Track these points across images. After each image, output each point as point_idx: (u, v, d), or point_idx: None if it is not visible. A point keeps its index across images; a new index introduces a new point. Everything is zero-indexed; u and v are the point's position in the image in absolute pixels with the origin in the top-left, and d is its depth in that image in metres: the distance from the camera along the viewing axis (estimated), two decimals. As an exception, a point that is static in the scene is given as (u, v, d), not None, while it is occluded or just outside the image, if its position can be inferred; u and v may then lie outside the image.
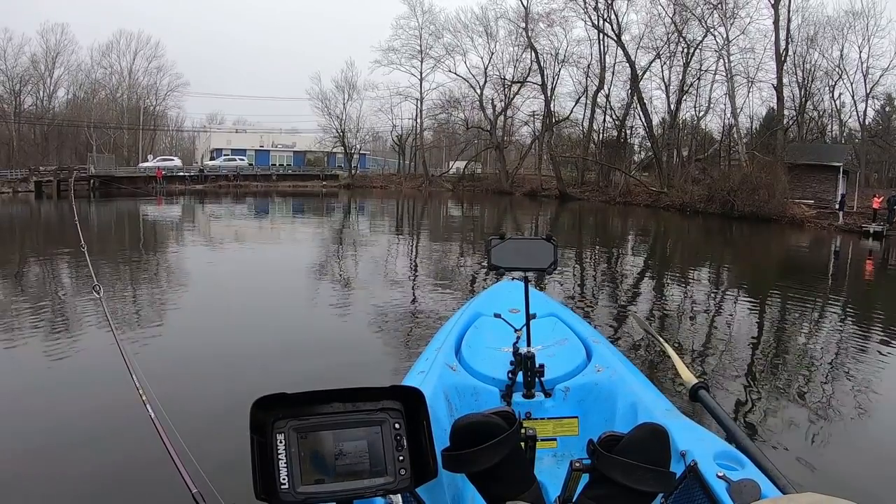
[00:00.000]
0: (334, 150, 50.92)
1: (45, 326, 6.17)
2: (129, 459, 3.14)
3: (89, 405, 3.95)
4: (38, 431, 3.59)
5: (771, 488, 1.37)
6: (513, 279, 3.22)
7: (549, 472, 1.88)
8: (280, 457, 0.86)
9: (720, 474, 1.41)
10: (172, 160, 47.38)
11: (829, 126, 38.80)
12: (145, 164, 45.22)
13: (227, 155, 50.72)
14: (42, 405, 4.01)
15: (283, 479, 0.86)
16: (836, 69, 35.45)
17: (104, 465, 3.22)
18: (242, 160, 49.48)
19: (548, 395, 2.15)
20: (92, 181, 36.92)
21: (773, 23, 31.14)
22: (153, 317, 6.81)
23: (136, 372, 1.77)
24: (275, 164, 52.42)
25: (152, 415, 1.60)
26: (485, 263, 2.32)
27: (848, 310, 8.72)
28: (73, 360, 5.05)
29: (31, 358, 5.10)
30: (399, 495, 1.08)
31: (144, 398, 1.67)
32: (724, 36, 33.19)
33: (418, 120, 49.48)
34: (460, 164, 49.19)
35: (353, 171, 50.08)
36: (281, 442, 0.87)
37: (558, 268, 2.19)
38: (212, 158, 51.40)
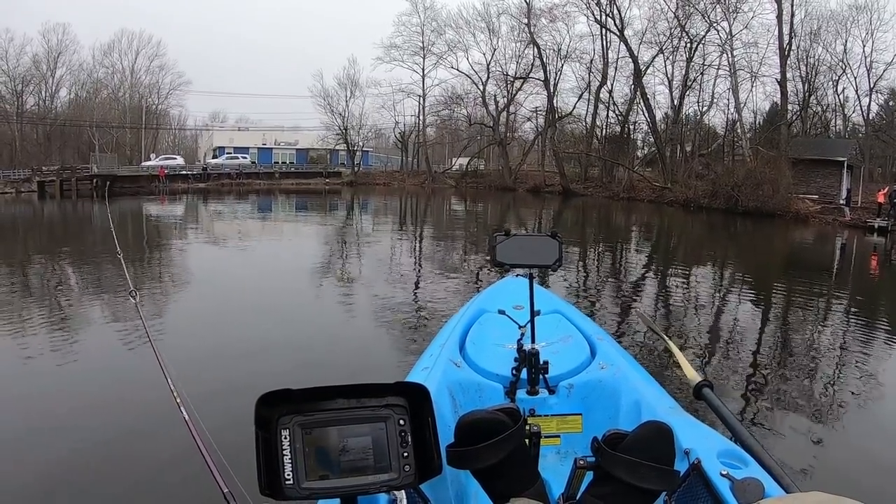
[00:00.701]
0: (337, 147, 50.85)
1: (83, 330, 6.25)
2: (162, 459, 3.18)
3: (124, 406, 4.00)
4: (77, 431, 3.64)
5: (775, 487, 1.36)
6: (517, 276, 3.23)
7: (553, 468, 1.88)
8: (285, 452, 0.86)
9: (724, 473, 1.41)
10: (175, 159, 47.38)
11: (833, 121, 38.65)
12: (148, 163, 45.21)
13: (230, 153, 50.73)
14: (80, 406, 4.08)
15: (288, 475, 0.86)
16: (840, 64, 35.40)
17: (139, 464, 3.26)
18: (245, 158, 49.46)
19: (552, 391, 2.15)
20: (95, 181, 36.98)
21: (777, 17, 30.93)
22: (181, 318, 6.86)
23: (171, 375, 1.79)
24: (277, 162, 52.39)
25: (186, 417, 1.61)
26: (489, 260, 2.32)
27: (853, 306, 8.67)
28: (110, 363, 5.12)
29: (70, 360, 5.18)
30: (403, 491, 1.09)
31: (179, 401, 1.69)
32: (728, 31, 33.10)
33: (421, 117, 49.42)
34: (463, 161, 49.06)
35: (355, 169, 50.00)
36: (286, 438, 0.87)
37: (562, 264, 2.19)
38: (214, 157, 51.38)
